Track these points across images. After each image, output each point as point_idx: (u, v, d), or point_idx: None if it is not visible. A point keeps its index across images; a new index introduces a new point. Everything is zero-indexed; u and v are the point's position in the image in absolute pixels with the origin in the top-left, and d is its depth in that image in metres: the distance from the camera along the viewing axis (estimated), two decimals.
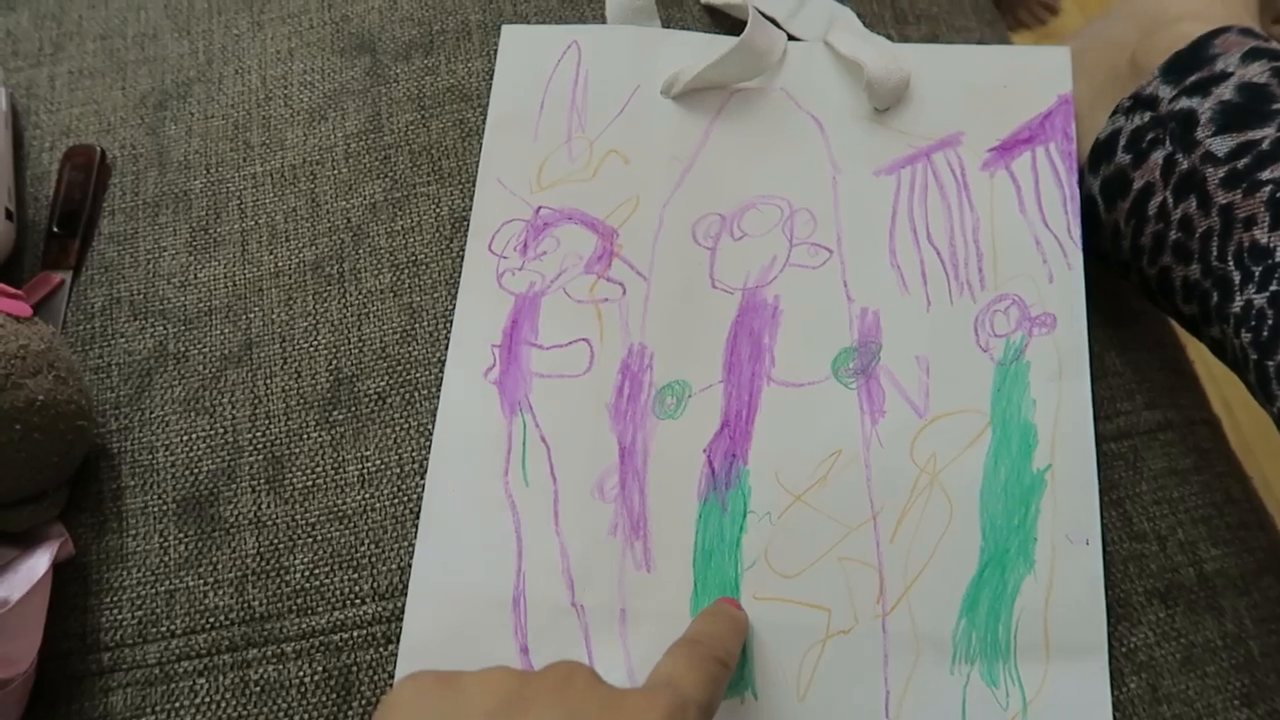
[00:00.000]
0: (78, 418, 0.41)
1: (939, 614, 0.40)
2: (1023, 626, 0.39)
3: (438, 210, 0.47)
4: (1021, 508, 0.40)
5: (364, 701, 0.39)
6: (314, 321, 0.45)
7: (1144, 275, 0.43)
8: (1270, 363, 0.36)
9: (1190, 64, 0.41)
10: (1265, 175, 0.37)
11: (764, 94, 0.47)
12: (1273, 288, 0.36)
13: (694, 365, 0.43)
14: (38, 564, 0.39)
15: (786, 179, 0.46)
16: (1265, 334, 0.36)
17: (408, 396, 0.44)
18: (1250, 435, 0.92)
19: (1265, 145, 0.38)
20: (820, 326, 0.43)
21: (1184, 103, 0.41)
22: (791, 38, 0.48)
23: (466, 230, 0.46)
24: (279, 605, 0.41)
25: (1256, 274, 0.37)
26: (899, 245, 0.44)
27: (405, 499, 0.42)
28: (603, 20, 0.50)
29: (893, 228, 0.45)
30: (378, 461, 0.43)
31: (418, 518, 0.41)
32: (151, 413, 0.44)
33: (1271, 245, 0.36)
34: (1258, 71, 0.40)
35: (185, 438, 0.44)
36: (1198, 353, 0.49)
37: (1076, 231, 0.44)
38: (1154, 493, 0.43)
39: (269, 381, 0.44)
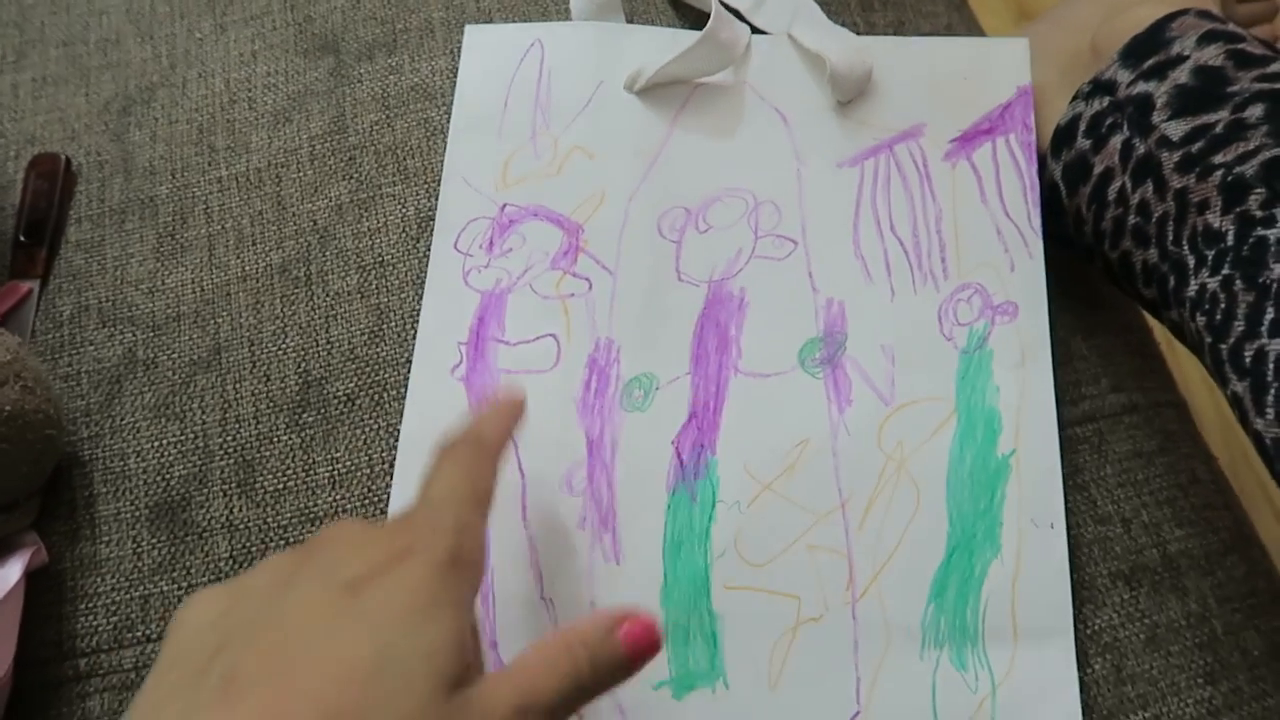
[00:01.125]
0: (46, 427, 0.41)
1: (908, 600, 0.40)
2: (990, 610, 0.40)
3: (404, 210, 0.47)
4: (987, 493, 0.41)
5: None
6: (282, 325, 0.45)
7: (1107, 260, 0.44)
8: (1224, 346, 0.36)
9: (1148, 48, 0.41)
10: (1218, 159, 0.37)
11: (728, 88, 0.47)
12: (1224, 271, 0.36)
13: (661, 358, 0.43)
14: (10, 573, 0.39)
15: (751, 172, 0.46)
16: (1219, 317, 0.36)
17: (376, 397, 0.44)
18: (1228, 415, 0.93)
19: (1219, 129, 0.38)
20: (786, 317, 0.44)
21: (1141, 87, 0.41)
22: (756, 30, 0.49)
23: (433, 230, 0.46)
24: None
25: (1210, 258, 0.37)
26: (863, 236, 0.45)
27: (376, 499, 0.42)
28: (567, 17, 0.50)
29: (856, 219, 0.45)
30: (348, 463, 0.43)
31: (387, 518, 0.42)
32: (122, 420, 0.44)
33: (1223, 229, 0.36)
34: (1213, 54, 0.40)
35: (156, 444, 0.44)
36: (1165, 335, 0.49)
37: (1037, 221, 0.45)
38: (1119, 475, 0.44)
39: (238, 386, 0.44)
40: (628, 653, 0.30)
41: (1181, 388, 0.49)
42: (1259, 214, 0.36)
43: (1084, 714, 0.39)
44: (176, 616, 0.29)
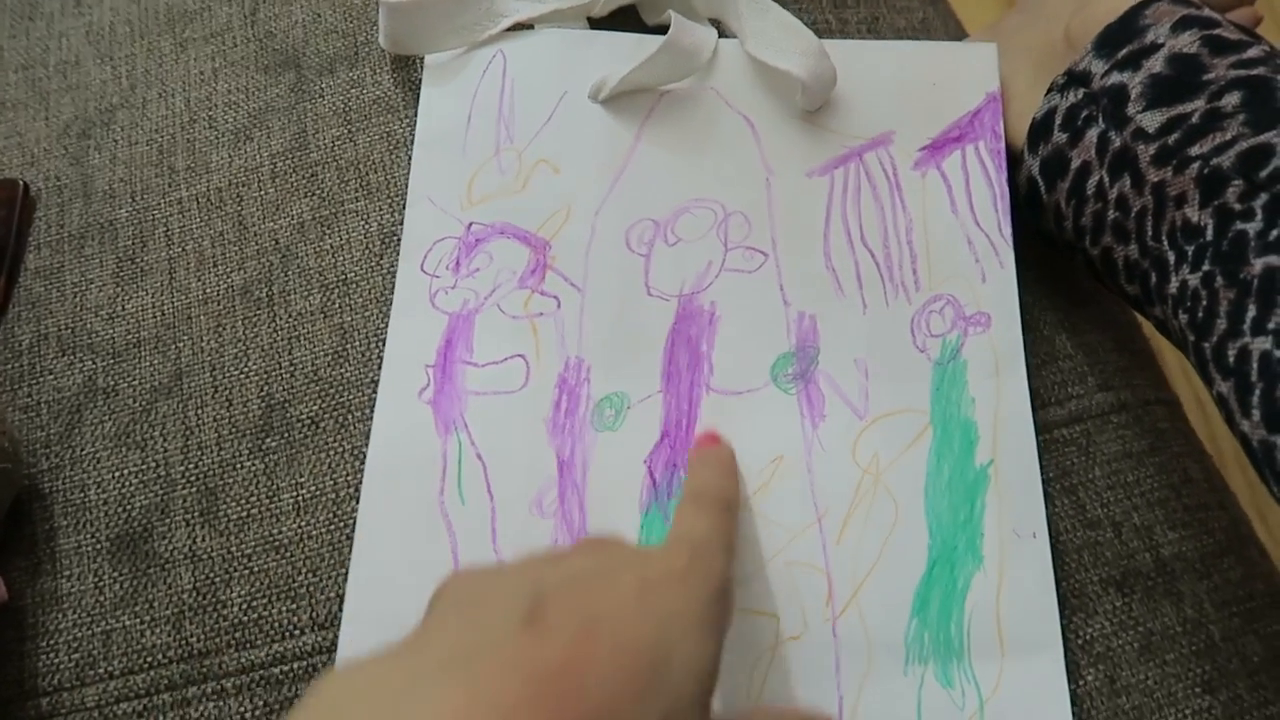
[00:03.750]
0: (2, 460, 0.40)
1: (890, 615, 0.39)
2: (975, 624, 0.38)
3: (366, 227, 0.46)
4: (967, 504, 0.40)
5: None
6: (244, 348, 0.44)
7: (1088, 256, 0.42)
8: (1207, 345, 0.35)
9: (1121, 37, 0.40)
10: (1194, 151, 0.36)
11: (694, 95, 0.46)
12: (1205, 267, 0.35)
13: (632, 376, 0.42)
14: None
15: (720, 182, 0.45)
16: (1201, 315, 0.35)
17: (341, 419, 0.43)
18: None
19: (1195, 119, 0.37)
20: (758, 332, 0.43)
21: (1115, 78, 0.40)
22: (724, 34, 0.47)
23: (396, 246, 0.45)
24: (217, 640, 0.40)
25: (1189, 253, 0.36)
26: (833, 248, 0.44)
27: (341, 525, 0.41)
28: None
29: (827, 230, 0.44)
30: (312, 488, 0.42)
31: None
32: (82, 450, 0.43)
33: (1202, 224, 0.35)
34: (1188, 41, 0.39)
35: (117, 474, 0.43)
36: (1153, 329, 0.48)
37: (1008, 230, 0.44)
38: (1108, 478, 0.42)
39: (200, 412, 0.43)
40: None
41: (1172, 383, 0.48)
42: (1237, 207, 0.34)
43: None
44: (442, 583, 0.31)
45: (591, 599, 0.28)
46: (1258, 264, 0.33)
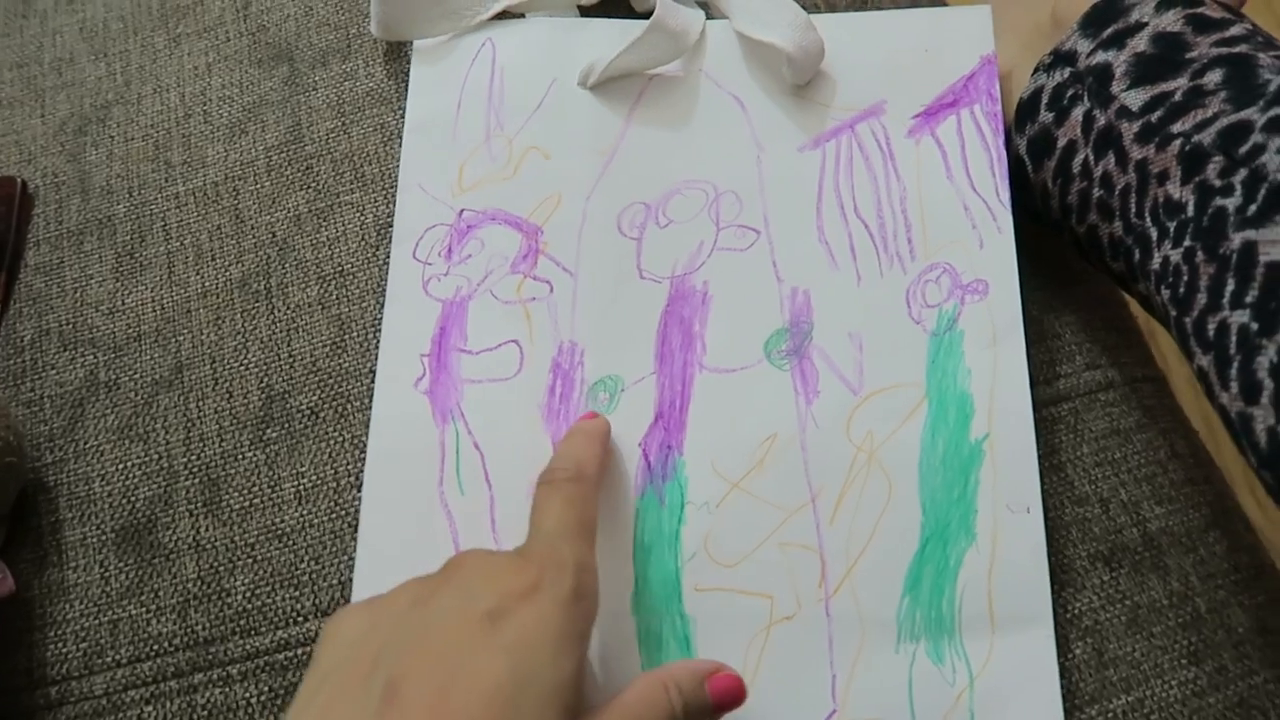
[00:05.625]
0: (6, 454, 0.40)
1: (882, 594, 0.39)
2: (967, 600, 0.39)
3: (362, 218, 0.46)
4: (961, 480, 0.40)
5: None
6: (243, 340, 0.45)
7: (1075, 234, 0.43)
8: (1187, 319, 0.35)
9: (1107, 16, 0.41)
10: (1177, 128, 0.36)
11: (683, 77, 0.46)
12: (1186, 243, 0.35)
13: (625, 359, 0.43)
14: None
15: (710, 162, 0.45)
16: (1182, 290, 0.35)
17: (340, 409, 0.43)
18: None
19: (1178, 96, 0.37)
20: (751, 310, 0.43)
21: (1100, 57, 0.40)
22: (711, 15, 0.48)
23: (391, 237, 0.45)
24: (222, 628, 0.41)
25: (1171, 229, 0.36)
26: (826, 221, 0.44)
27: (343, 513, 0.42)
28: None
29: (820, 203, 0.44)
30: (313, 477, 0.42)
31: (356, 532, 0.41)
32: (86, 443, 0.44)
33: (1183, 200, 0.36)
34: (1172, 20, 0.39)
35: (120, 466, 0.43)
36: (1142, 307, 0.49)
37: (1005, 194, 0.43)
38: (1096, 455, 0.43)
39: (201, 404, 0.44)
40: (715, 702, 0.33)
41: (1162, 360, 0.49)
42: (1217, 183, 0.35)
43: (1066, 700, 0.39)
44: (325, 630, 0.32)
45: (444, 657, 0.30)
46: (1236, 239, 0.34)
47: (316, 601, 0.41)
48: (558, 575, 0.32)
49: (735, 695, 0.34)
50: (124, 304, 0.46)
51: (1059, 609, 0.40)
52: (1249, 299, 0.33)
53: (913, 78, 0.46)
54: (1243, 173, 0.34)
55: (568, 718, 0.30)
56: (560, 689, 0.30)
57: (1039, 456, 0.42)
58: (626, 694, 0.32)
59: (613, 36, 0.47)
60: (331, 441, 0.43)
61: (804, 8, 0.50)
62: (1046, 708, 0.38)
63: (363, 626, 0.32)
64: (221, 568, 0.42)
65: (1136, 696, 0.39)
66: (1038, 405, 0.43)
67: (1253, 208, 0.33)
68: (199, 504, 0.42)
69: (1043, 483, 0.41)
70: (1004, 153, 0.44)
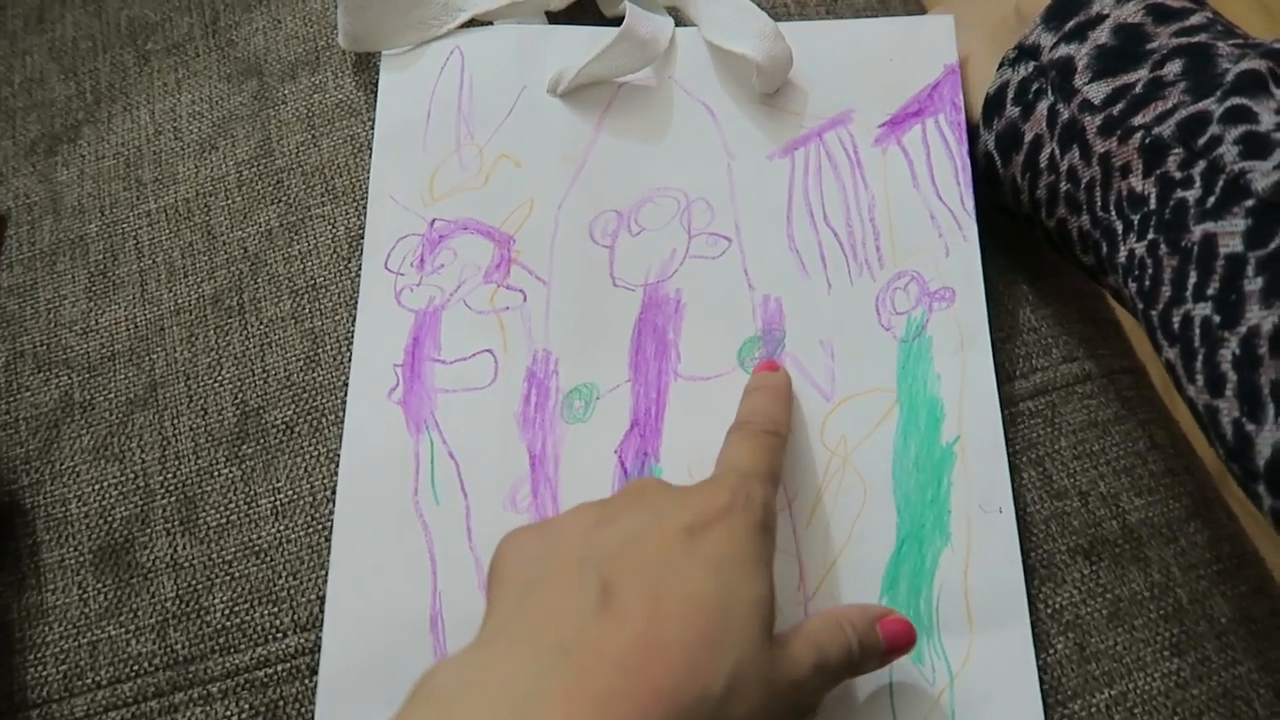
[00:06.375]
0: None
1: (860, 595, 0.39)
2: (944, 600, 0.39)
3: (334, 231, 0.46)
4: (934, 482, 0.40)
5: None
6: (217, 356, 0.45)
7: (1045, 228, 0.43)
8: (1154, 312, 0.35)
9: (1068, 9, 0.41)
10: (1138, 120, 0.36)
11: (654, 85, 0.46)
12: (1150, 236, 0.35)
13: (600, 367, 0.43)
14: None
15: (681, 170, 0.45)
16: (1148, 283, 0.35)
17: (315, 423, 0.43)
18: None
19: (1139, 88, 0.37)
20: (723, 317, 0.43)
21: (1063, 50, 0.40)
22: (681, 23, 0.48)
23: (363, 250, 0.45)
24: (201, 646, 0.41)
25: (1136, 223, 0.36)
26: (797, 229, 0.44)
27: (319, 528, 0.42)
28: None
29: (790, 211, 0.44)
30: (290, 492, 0.42)
31: None
32: (61, 464, 0.44)
33: (1146, 193, 0.36)
34: (1132, 11, 0.39)
35: (96, 487, 0.43)
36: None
37: (970, 203, 0.44)
38: (1074, 448, 0.43)
39: (176, 421, 0.44)
40: (886, 645, 0.35)
41: (1138, 351, 0.48)
42: (1178, 175, 0.35)
43: (1049, 696, 0.39)
44: (500, 550, 0.33)
45: (649, 565, 0.30)
46: (1197, 231, 0.33)
47: (295, 617, 0.41)
48: (749, 502, 0.33)
49: (907, 639, 0.35)
50: (97, 323, 0.46)
51: (1039, 604, 0.40)
52: (1210, 291, 0.33)
53: (879, 87, 0.46)
54: (1201, 164, 0.34)
55: (766, 633, 0.31)
56: (759, 604, 0.31)
57: (1016, 451, 0.42)
58: (808, 624, 0.33)
59: (582, 43, 0.47)
60: (307, 456, 0.43)
61: (774, 12, 0.50)
62: (1026, 705, 0.38)
63: (545, 544, 0.32)
64: (200, 586, 0.41)
65: (1119, 690, 0.39)
66: (1014, 400, 0.43)
67: (1211, 200, 0.33)
68: (176, 522, 0.42)
69: (1021, 477, 0.42)
70: (968, 162, 0.44)
